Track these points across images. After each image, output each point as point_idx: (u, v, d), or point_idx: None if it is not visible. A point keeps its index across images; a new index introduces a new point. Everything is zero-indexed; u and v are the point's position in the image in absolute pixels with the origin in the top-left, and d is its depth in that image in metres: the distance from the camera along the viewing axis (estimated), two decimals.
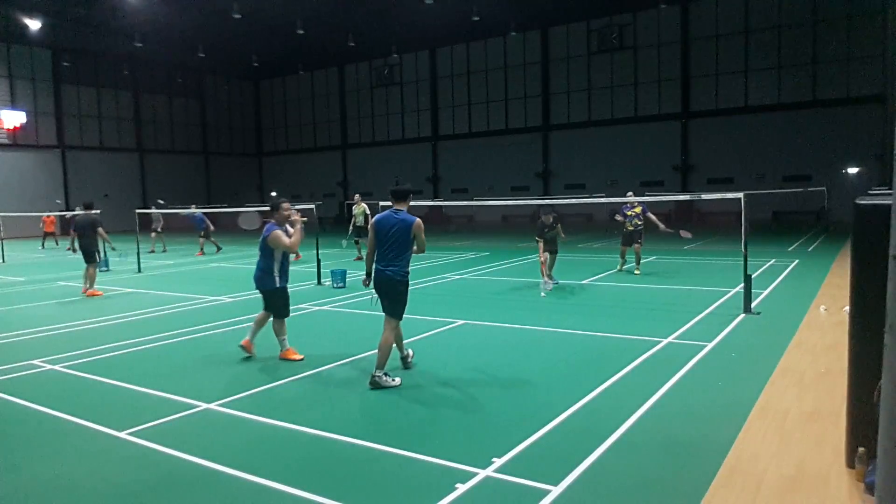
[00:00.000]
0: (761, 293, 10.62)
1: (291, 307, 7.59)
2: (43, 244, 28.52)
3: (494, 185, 41.70)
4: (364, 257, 17.23)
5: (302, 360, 7.14)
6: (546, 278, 11.83)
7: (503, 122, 42.63)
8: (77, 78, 42.53)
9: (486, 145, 42.99)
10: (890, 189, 4.78)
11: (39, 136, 40.59)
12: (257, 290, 7.42)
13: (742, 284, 9.40)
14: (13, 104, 38.95)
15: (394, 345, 6.42)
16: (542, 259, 12.03)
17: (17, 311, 11.44)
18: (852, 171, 31.58)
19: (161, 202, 30.30)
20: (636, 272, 13.64)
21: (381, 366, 6.13)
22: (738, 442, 4.55)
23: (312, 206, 14.35)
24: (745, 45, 34.46)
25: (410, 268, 6.45)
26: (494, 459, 4.30)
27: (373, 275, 6.44)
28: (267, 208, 7.84)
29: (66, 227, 28.86)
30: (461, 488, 3.92)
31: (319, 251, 14.15)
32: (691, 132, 36.26)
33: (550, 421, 5.01)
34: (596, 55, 38.84)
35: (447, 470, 4.22)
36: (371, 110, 48.72)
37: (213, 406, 5.67)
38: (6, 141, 38.78)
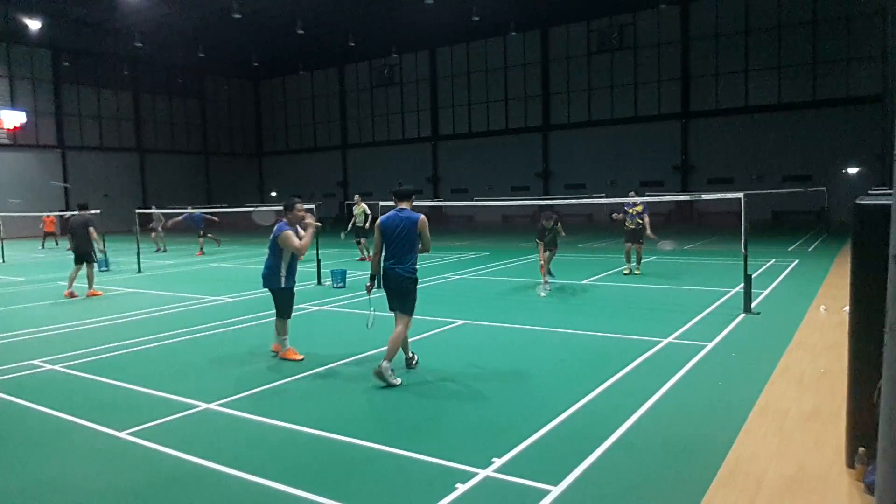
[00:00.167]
0: (761, 293, 10.62)
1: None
2: (43, 244, 28.53)
3: (494, 185, 41.70)
4: (366, 258, 17.42)
5: (302, 360, 7.14)
6: (545, 279, 11.84)
7: (503, 122, 42.63)
8: (77, 78, 42.52)
9: (486, 145, 42.99)
10: (890, 189, 4.78)
11: (39, 136, 40.58)
12: (265, 288, 7.42)
13: (742, 284, 9.40)
14: (13, 104, 38.95)
15: (405, 347, 6.55)
16: (542, 262, 12.02)
17: (17, 311, 11.44)
18: (852, 171, 31.58)
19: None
20: (636, 272, 13.65)
21: (388, 358, 6.20)
22: (738, 442, 4.55)
23: (312, 206, 14.35)
24: (745, 45, 34.45)
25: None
26: (494, 459, 4.30)
27: (381, 274, 6.51)
28: (279, 207, 7.85)
29: (65, 227, 28.84)
30: (461, 488, 3.92)
31: (319, 251, 14.15)
32: (691, 132, 36.27)
33: (550, 421, 5.01)
34: (596, 55, 38.84)
35: (447, 470, 4.22)
36: (371, 110, 48.72)
37: (213, 406, 5.67)
38: (6, 141, 38.78)
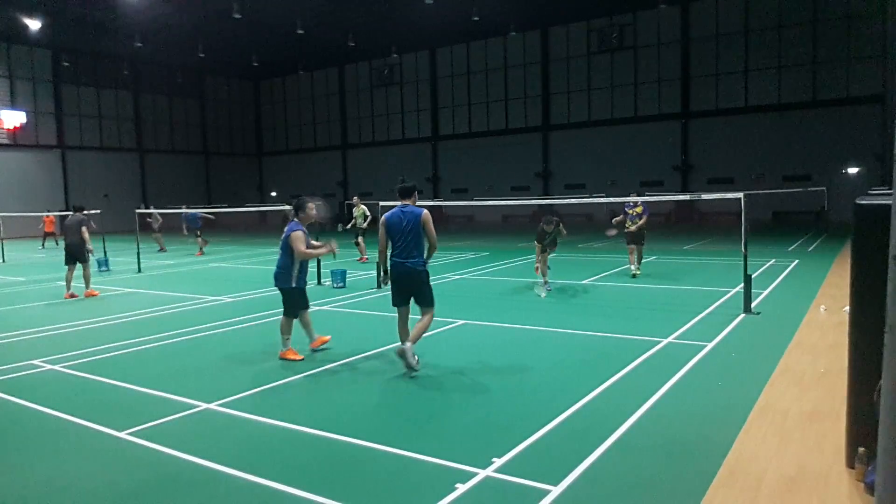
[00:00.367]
0: (761, 293, 10.62)
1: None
2: (43, 244, 28.54)
3: (494, 185, 41.70)
4: (365, 258, 17.42)
5: (301, 360, 7.14)
6: (544, 279, 11.84)
7: (503, 122, 42.64)
8: (77, 78, 42.54)
9: (486, 145, 42.99)
10: (890, 189, 4.78)
11: (39, 136, 40.60)
12: (276, 288, 7.45)
13: (742, 284, 9.40)
14: (13, 104, 38.97)
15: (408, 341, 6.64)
16: (538, 264, 11.94)
17: (17, 311, 11.44)
18: (852, 171, 31.59)
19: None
20: (636, 272, 13.56)
21: (413, 340, 6.49)
22: (738, 442, 4.54)
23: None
24: (745, 45, 34.47)
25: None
26: (494, 459, 4.30)
27: (391, 270, 6.65)
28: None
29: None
30: (461, 488, 3.92)
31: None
32: (691, 132, 36.27)
33: (550, 421, 5.01)
34: (596, 55, 38.85)
35: (447, 470, 4.22)
36: (371, 110, 48.73)
37: (213, 406, 5.66)
38: (6, 141, 38.80)
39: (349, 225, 18.35)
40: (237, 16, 32.60)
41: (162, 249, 23.31)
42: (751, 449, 4.43)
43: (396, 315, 6.82)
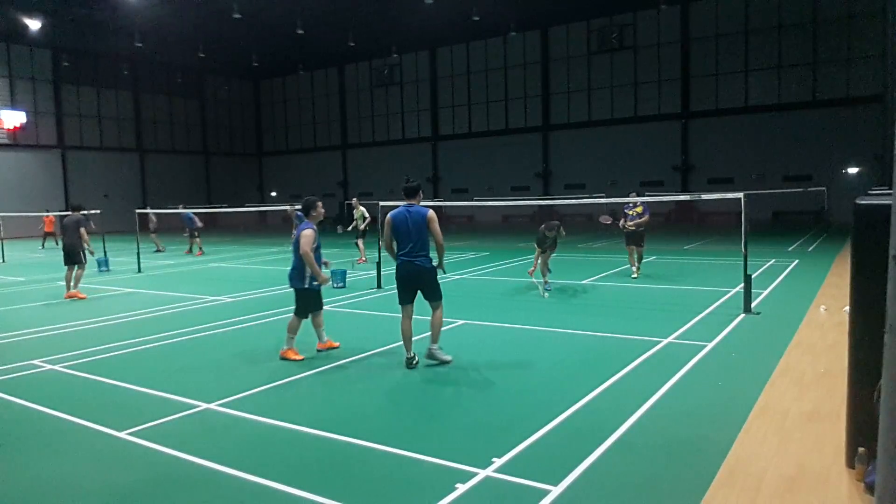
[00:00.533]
0: (761, 293, 10.62)
1: (292, 306, 7.59)
2: (43, 244, 28.54)
3: (494, 185, 41.70)
4: (365, 260, 17.41)
5: (301, 360, 7.14)
6: (545, 280, 11.83)
7: (503, 122, 42.63)
8: (77, 78, 42.53)
9: (486, 145, 42.99)
10: (890, 189, 4.78)
11: (39, 136, 40.59)
12: (290, 288, 7.46)
13: (742, 284, 9.40)
14: (13, 104, 38.96)
15: (409, 338, 6.78)
16: (534, 267, 11.89)
17: (17, 311, 11.44)
18: (852, 171, 31.59)
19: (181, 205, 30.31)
20: (637, 273, 13.48)
21: (435, 339, 6.78)
22: (738, 442, 4.55)
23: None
24: (745, 45, 34.46)
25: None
26: (494, 459, 4.30)
27: (398, 269, 6.77)
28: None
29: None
30: (461, 488, 3.92)
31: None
32: (691, 132, 36.27)
33: (550, 421, 5.01)
34: (596, 55, 38.85)
35: (447, 470, 4.22)
36: (371, 110, 48.73)
37: (213, 406, 5.67)
38: (6, 141, 38.79)
39: (350, 227, 18.29)
40: (237, 16, 32.62)
41: (159, 250, 23.30)
42: (751, 449, 4.43)
43: (400, 315, 6.86)
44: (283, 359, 7.20)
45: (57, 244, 28.26)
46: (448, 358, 6.79)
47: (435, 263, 6.79)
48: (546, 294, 11.26)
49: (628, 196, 13.17)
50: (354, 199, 18.98)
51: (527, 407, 5.46)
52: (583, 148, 39.50)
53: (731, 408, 5.26)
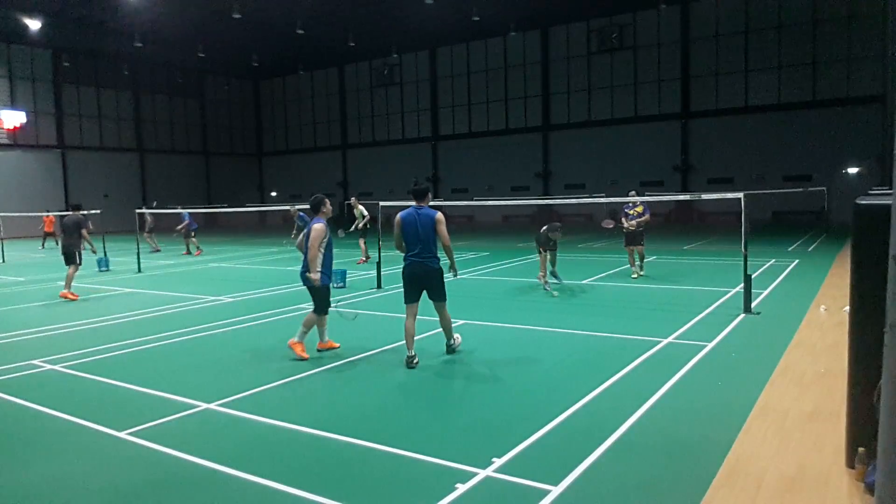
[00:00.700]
0: (761, 293, 10.62)
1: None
2: (43, 244, 28.53)
3: (494, 185, 41.70)
4: (364, 260, 17.38)
5: (306, 359, 7.13)
6: (545, 281, 11.87)
7: (503, 122, 42.62)
8: (77, 78, 42.52)
9: (486, 145, 42.99)
10: (890, 189, 4.78)
11: (39, 136, 40.58)
12: (303, 286, 7.45)
13: (742, 284, 9.40)
14: (13, 104, 38.94)
15: (412, 337, 6.87)
16: (545, 270, 12.01)
17: (17, 311, 11.45)
18: (852, 171, 31.58)
19: (155, 203, 30.31)
20: (641, 273, 13.41)
21: (449, 336, 7.18)
22: (738, 442, 4.55)
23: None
24: (745, 45, 34.44)
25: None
26: (494, 459, 4.30)
27: (406, 268, 6.94)
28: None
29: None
30: (461, 488, 3.92)
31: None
32: (691, 132, 36.26)
33: (550, 421, 5.01)
34: (596, 55, 38.83)
35: (447, 470, 4.22)
36: (371, 110, 48.71)
37: (213, 406, 5.67)
38: (6, 141, 38.78)
39: (351, 228, 18.13)
40: (237, 16, 32.60)
41: (156, 250, 23.27)
42: (751, 449, 4.43)
43: (403, 315, 6.95)
44: (290, 347, 7.16)
45: (57, 244, 28.26)
46: (458, 346, 7.28)
47: (442, 264, 6.96)
48: (556, 294, 11.33)
49: (628, 194, 13.14)
50: (353, 198, 18.95)
51: (527, 407, 5.46)
52: (583, 148, 39.49)
53: (731, 408, 5.26)
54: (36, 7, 33.12)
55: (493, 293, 12.09)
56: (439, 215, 6.84)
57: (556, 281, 12.17)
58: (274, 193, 53.12)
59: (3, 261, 21.20)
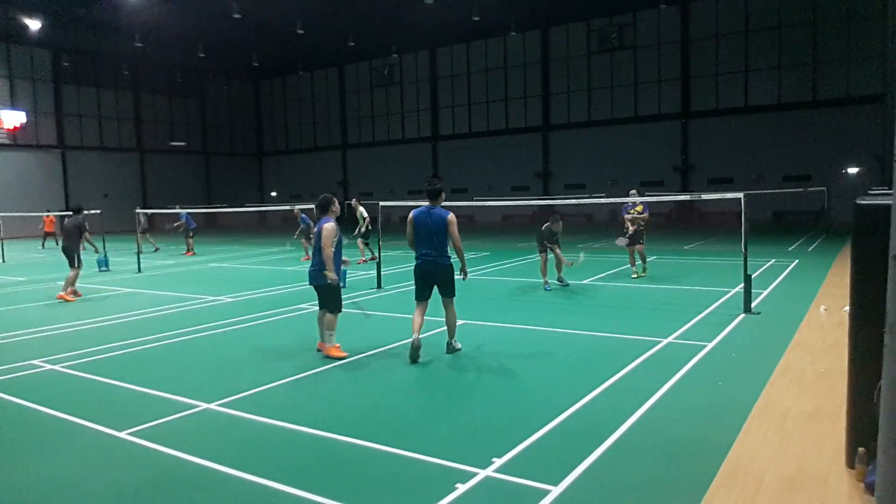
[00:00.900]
0: (761, 293, 10.62)
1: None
2: (43, 244, 28.52)
3: (494, 185, 41.70)
4: (364, 260, 17.38)
5: (346, 357, 7.13)
6: (545, 280, 11.91)
7: (503, 122, 42.63)
8: (77, 78, 42.52)
9: (486, 145, 42.99)
10: (890, 189, 4.78)
11: (39, 136, 40.59)
12: (311, 286, 7.43)
13: (742, 284, 9.39)
14: (13, 104, 38.94)
15: (418, 328, 7.02)
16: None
17: (17, 311, 11.44)
18: (852, 171, 31.59)
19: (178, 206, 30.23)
20: (643, 273, 13.33)
21: (452, 334, 7.26)
22: (738, 442, 4.55)
23: (313, 206, 14.29)
24: (745, 45, 34.45)
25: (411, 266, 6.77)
26: (494, 459, 4.30)
27: (417, 266, 7.08)
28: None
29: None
30: (461, 488, 3.92)
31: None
32: (691, 132, 36.27)
33: (550, 421, 5.01)
34: (596, 55, 38.84)
35: (447, 470, 4.22)
36: (371, 110, 48.72)
37: (213, 406, 5.66)
38: (6, 141, 38.78)
39: (355, 233, 18.01)
40: (237, 16, 32.60)
41: (156, 249, 23.26)
42: (751, 449, 4.43)
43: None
44: (328, 356, 7.15)
45: (57, 244, 28.26)
46: (459, 347, 7.29)
47: (453, 261, 7.10)
48: (568, 283, 11.75)
49: (628, 193, 13.15)
50: (354, 199, 18.93)
51: (527, 407, 5.46)
52: (583, 148, 39.50)
53: (731, 408, 5.26)
54: (36, 7, 33.12)
55: (493, 293, 12.09)
56: (451, 216, 6.96)
57: (563, 284, 12.22)
58: (274, 193, 53.13)
59: (3, 261, 21.20)
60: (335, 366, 6.96)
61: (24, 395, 6.15)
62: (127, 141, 45.61)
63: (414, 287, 7.25)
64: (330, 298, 7.28)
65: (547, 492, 3.84)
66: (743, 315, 8.98)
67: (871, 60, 30.67)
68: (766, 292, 10.83)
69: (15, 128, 38.33)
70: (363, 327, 8.97)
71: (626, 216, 13.07)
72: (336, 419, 5.27)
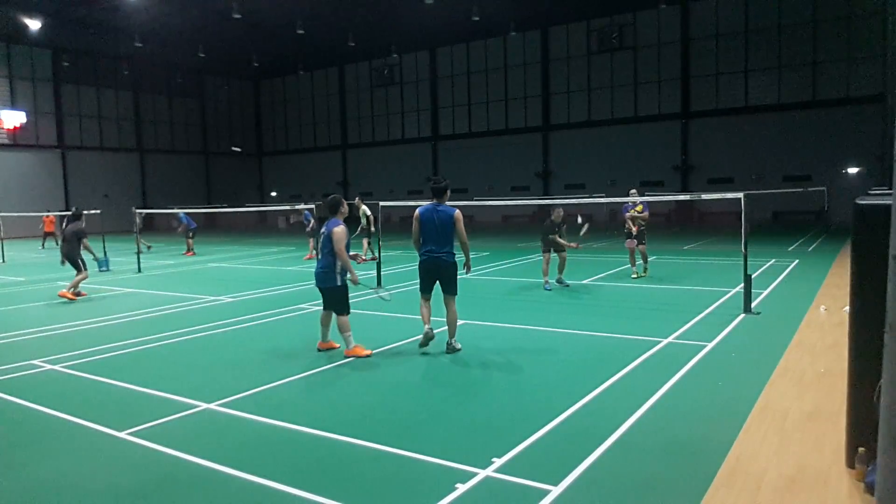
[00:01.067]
0: (761, 293, 10.62)
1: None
2: (43, 244, 28.52)
3: (494, 185, 41.70)
4: (364, 259, 17.28)
5: (370, 355, 7.16)
6: (546, 280, 11.91)
7: (503, 122, 42.63)
8: (77, 78, 42.50)
9: (486, 145, 42.99)
10: (890, 189, 4.78)
11: (39, 136, 40.57)
12: (317, 287, 7.43)
13: (742, 284, 9.39)
14: (13, 104, 38.93)
15: (428, 317, 7.20)
16: (546, 266, 12.07)
17: (17, 311, 11.44)
18: (852, 171, 31.59)
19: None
20: (644, 273, 13.29)
21: (452, 334, 7.29)
22: (738, 442, 4.55)
23: (312, 206, 14.32)
24: (745, 45, 34.45)
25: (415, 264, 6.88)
26: (494, 459, 4.30)
27: (423, 262, 7.13)
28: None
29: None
30: (461, 488, 3.92)
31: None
32: (691, 132, 36.27)
33: (550, 421, 5.01)
34: (596, 55, 38.83)
35: (447, 470, 4.22)
36: (371, 110, 48.72)
37: (213, 406, 5.67)
38: (6, 141, 38.77)
39: (358, 230, 18.01)
40: (237, 16, 32.61)
41: (149, 248, 23.27)
42: (751, 449, 4.43)
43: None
44: (350, 356, 7.13)
45: (57, 244, 28.26)
46: (460, 347, 7.31)
47: (457, 259, 7.24)
48: (568, 283, 11.79)
49: (629, 193, 13.17)
50: (357, 198, 18.95)
51: (527, 407, 5.46)
52: (583, 148, 39.49)
53: (731, 408, 5.26)
54: (36, 7, 33.13)
55: (493, 293, 12.09)
56: (457, 213, 7.10)
57: (563, 285, 12.21)
58: (274, 193, 53.13)
59: (3, 261, 21.20)
60: (335, 366, 6.96)
61: (24, 395, 6.15)
62: (127, 141, 45.60)
63: (419, 281, 7.40)
64: (336, 301, 7.26)
65: (547, 492, 3.84)
66: (743, 315, 8.98)
67: (871, 60, 30.67)
68: (766, 292, 10.83)
69: (15, 128, 38.33)
70: (363, 328, 8.96)
71: (627, 215, 13.13)
72: (336, 419, 5.27)
